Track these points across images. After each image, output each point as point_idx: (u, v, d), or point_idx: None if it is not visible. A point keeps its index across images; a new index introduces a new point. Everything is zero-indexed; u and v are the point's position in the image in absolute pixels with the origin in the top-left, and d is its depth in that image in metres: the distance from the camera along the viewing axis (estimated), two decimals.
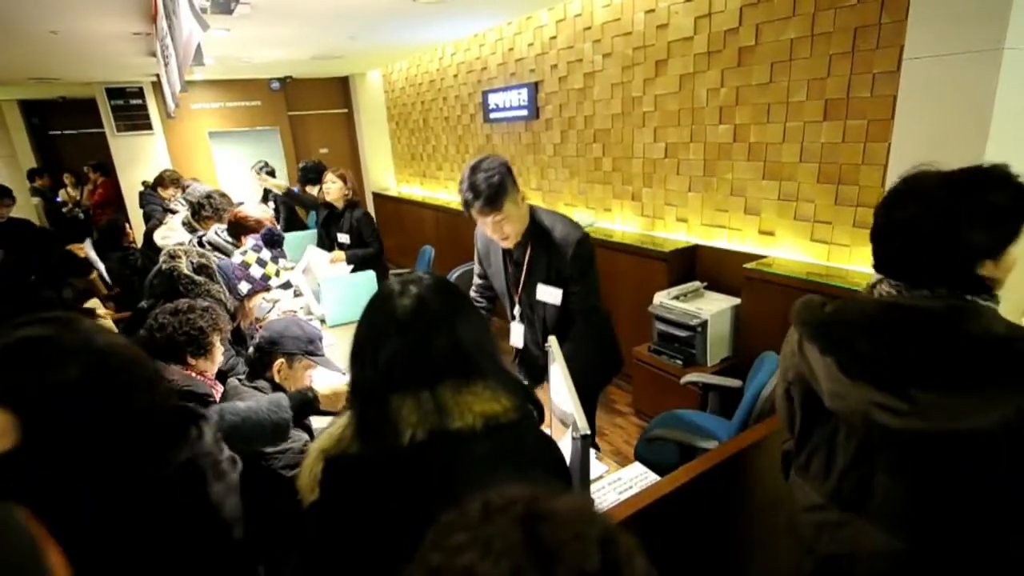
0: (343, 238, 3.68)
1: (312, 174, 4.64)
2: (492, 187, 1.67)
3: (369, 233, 3.67)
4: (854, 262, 2.63)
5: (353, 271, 3.79)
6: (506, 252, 1.96)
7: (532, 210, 1.89)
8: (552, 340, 1.22)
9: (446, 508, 0.76)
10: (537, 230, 1.86)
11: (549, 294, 1.86)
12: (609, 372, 2.18)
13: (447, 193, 6.12)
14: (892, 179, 2.05)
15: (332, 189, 3.61)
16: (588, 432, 0.87)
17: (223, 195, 3.63)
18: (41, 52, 4.24)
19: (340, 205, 3.63)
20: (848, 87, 2.49)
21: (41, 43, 3.88)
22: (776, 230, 2.93)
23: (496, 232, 1.80)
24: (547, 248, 1.85)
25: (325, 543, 0.82)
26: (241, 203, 4.01)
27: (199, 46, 1.87)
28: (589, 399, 2.11)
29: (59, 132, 8.38)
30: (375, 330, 0.85)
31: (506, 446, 0.83)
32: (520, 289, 1.94)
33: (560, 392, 1.02)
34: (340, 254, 3.60)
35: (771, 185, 2.89)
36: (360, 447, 0.82)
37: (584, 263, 1.85)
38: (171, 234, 3.50)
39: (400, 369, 0.82)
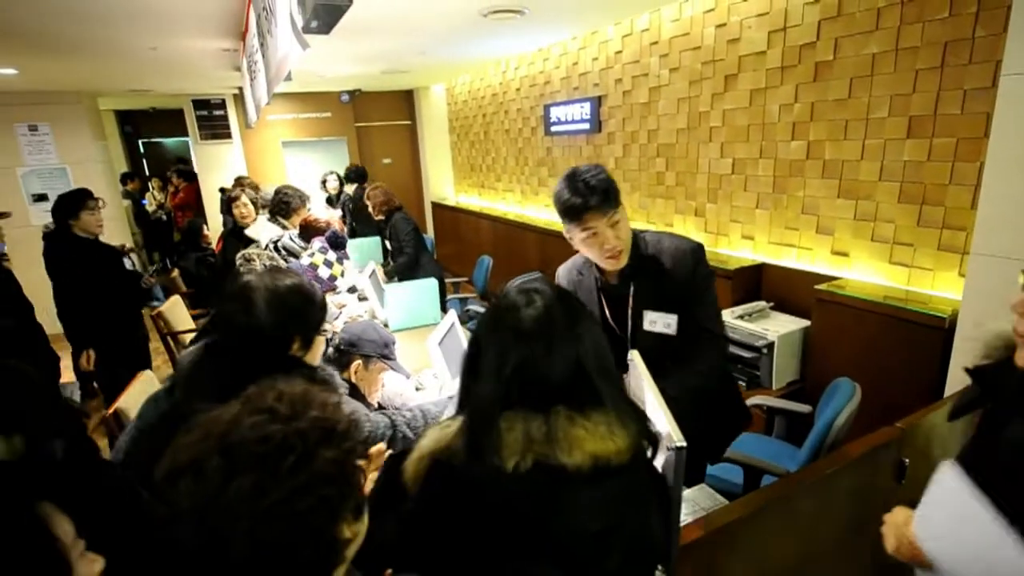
0: (388, 244, 4.10)
1: (353, 174, 5.82)
2: (603, 184, 1.43)
3: (404, 237, 3.95)
4: (937, 287, 2.49)
5: (402, 278, 3.95)
6: (601, 292, 1.63)
7: (632, 232, 1.59)
8: (633, 353, 1.18)
9: (537, 545, 0.76)
10: (640, 254, 1.56)
11: (662, 322, 1.53)
12: (738, 426, 1.85)
13: (505, 204, 6.20)
14: (984, 200, 1.95)
15: (369, 208, 4.12)
16: (684, 444, 0.83)
17: (291, 188, 3.91)
18: (140, 66, 4.61)
19: (383, 217, 4.06)
20: (936, 104, 2.37)
21: (141, 58, 4.23)
22: (851, 251, 2.81)
23: (609, 239, 1.47)
24: (656, 270, 1.54)
25: (417, 537, 0.84)
26: (308, 208, 4.23)
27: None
28: (713, 455, 1.81)
29: (148, 139, 9.04)
30: (499, 340, 0.82)
31: (613, 496, 0.78)
32: (631, 328, 1.60)
33: (647, 402, 1.00)
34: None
35: (847, 204, 2.78)
36: (464, 460, 0.80)
37: (707, 277, 1.56)
38: (262, 228, 3.74)
39: (520, 384, 0.79)
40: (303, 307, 1.25)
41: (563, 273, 1.75)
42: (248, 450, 0.61)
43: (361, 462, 0.71)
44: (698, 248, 1.56)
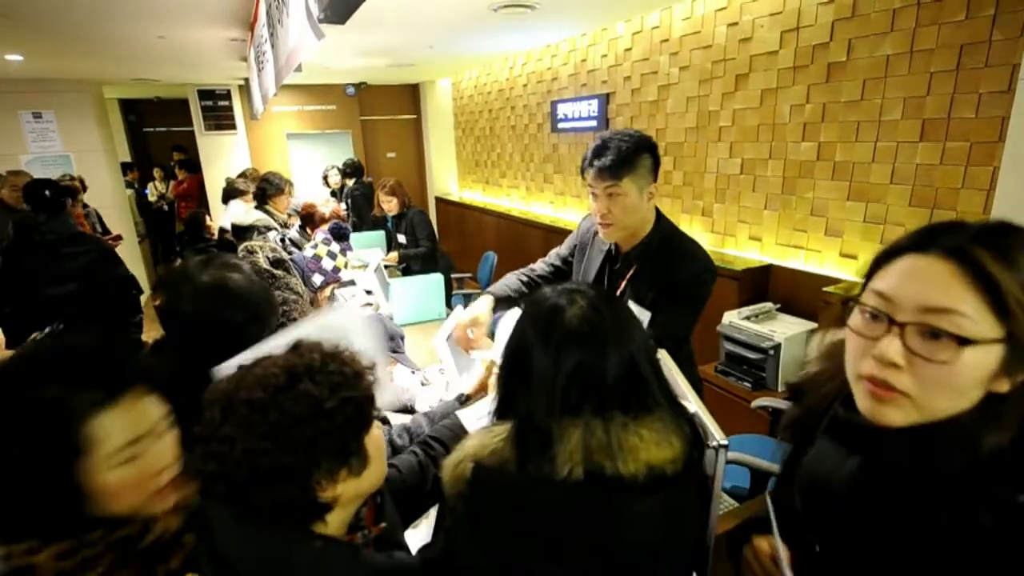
0: (401, 238, 4.09)
1: (350, 169, 5.86)
2: (621, 152, 1.43)
3: (421, 232, 4.03)
4: None
5: (405, 271, 3.95)
6: (608, 259, 1.66)
7: (660, 221, 1.59)
8: (662, 352, 1.15)
9: (587, 557, 0.72)
10: (656, 243, 1.55)
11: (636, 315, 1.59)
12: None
13: (510, 200, 6.18)
14: (999, 205, 1.94)
15: (392, 204, 4.06)
16: (726, 442, 0.80)
17: (274, 174, 3.92)
18: (147, 55, 4.59)
19: (396, 212, 4.11)
20: (950, 107, 2.35)
21: (148, 47, 4.21)
22: (859, 254, 2.79)
23: (601, 207, 1.50)
24: (659, 265, 1.53)
25: (461, 545, 0.80)
26: (291, 196, 4.20)
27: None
28: None
29: (152, 129, 9.01)
30: (548, 343, 0.76)
31: (666, 508, 0.74)
32: None
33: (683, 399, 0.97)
34: (394, 255, 3.89)
35: (856, 206, 2.76)
36: (513, 467, 0.76)
37: (691, 294, 1.53)
38: (247, 215, 3.73)
39: (576, 390, 0.74)
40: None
41: (586, 222, 1.79)
42: (235, 408, 0.73)
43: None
44: (705, 272, 1.55)
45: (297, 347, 0.82)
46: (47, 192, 2.86)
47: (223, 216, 3.94)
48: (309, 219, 3.70)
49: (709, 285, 1.56)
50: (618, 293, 1.59)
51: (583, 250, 1.77)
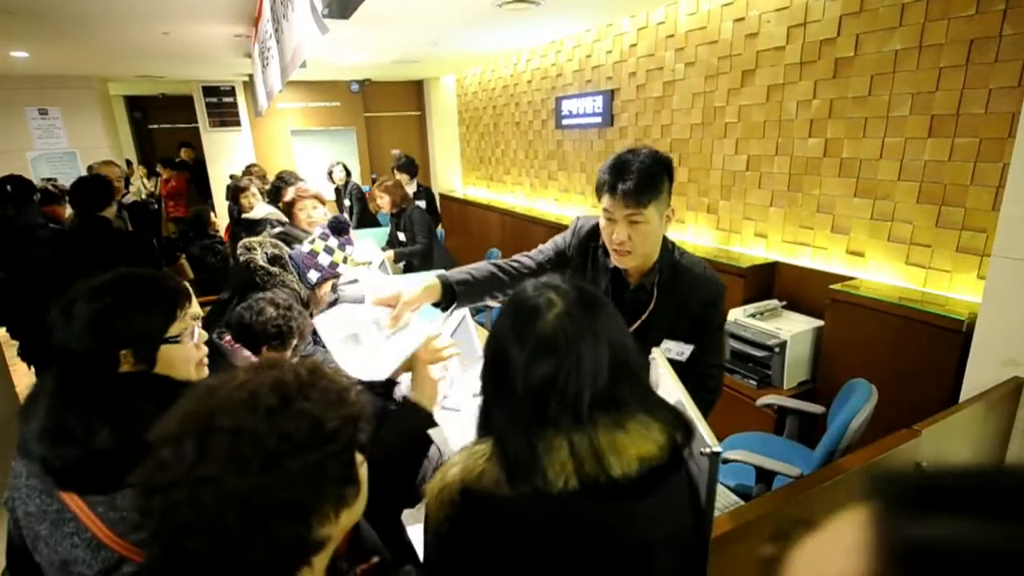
0: (401, 236, 4.06)
1: (407, 165, 5.08)
2: (644, 175, 1.28)
3: (419, 229, 4.01)
4: (955, 289, 2.46)
5: (407, 268, 3.94)
6: (616, 288, 1.51)
7: (665, 241, 1.47)
8: (656, 351, 1.15)
9: (594, 565, 0.70)
10: (670, 270, 1.45)
11: (676, 350, 1.46)
12: None
13: (514, 197, 6.17)
14: (1008, 202, 1.92)
15: (384, 201, 4.05)
16: (719, 449, 0.80)
17: (289, 173, 3.93)
18: (152, 51, 4.60)
19: (395, 211, 4.08)
20: (959, 103, 2.33)
21: (153, 43, 4.21)
22: (866, 251, 2.77)
23: (620, 234, 1.34)
24: (681, 295, 1.44)
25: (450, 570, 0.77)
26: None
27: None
28: None
29: (157, 126, 9.04)
30: (522, 352, 0.74)
31: (665, 500, 0.74)
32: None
33: (675, 400, 0.96)
34: (390, 253, 3.94)
35: (863, 203, 2.74)
36: (505, 488, 0.72)
37: (719, 319, 1.53)
38: (260, 211, 3.74)
39: (555, 398, 0.72)
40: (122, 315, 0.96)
41: (585, 223, 1.58)
42: (219, 440, 0.59)
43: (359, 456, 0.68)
44: (723, 288, 1.50)
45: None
46: (8, 187, 3.02)
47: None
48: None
49: (724, 302, 1.53)
50: (637, 325, 1.46)
51: (582, 270, 1.58)
